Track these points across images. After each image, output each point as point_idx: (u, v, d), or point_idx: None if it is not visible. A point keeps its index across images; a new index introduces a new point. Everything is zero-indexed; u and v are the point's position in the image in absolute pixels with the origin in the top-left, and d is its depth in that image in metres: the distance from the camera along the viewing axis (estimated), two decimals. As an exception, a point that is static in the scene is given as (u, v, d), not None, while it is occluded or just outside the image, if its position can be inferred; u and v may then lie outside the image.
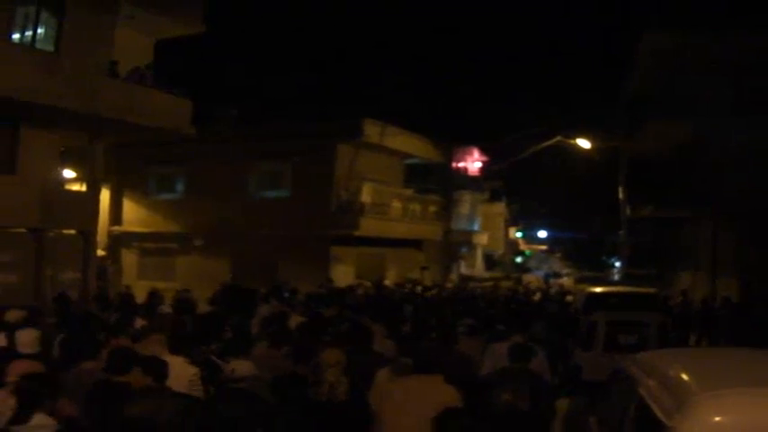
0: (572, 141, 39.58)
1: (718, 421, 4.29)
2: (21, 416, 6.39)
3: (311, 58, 66.07)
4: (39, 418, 6.42)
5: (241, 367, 8.40)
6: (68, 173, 25.99)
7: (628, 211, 35.39)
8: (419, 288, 30.06)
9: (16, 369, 7.39)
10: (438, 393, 7.29)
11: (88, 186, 25.86)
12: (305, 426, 7.17)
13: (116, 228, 36.38)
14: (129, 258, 36.58)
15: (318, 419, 7.17)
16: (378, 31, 65.65)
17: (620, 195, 35.92)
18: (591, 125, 39.53)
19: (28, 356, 8.79)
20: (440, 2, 76.79)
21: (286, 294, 20.62)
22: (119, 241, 36.45)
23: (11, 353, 9.32)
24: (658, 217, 35.59)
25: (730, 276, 28.25)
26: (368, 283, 29.83)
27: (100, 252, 28.34)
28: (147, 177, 37.36)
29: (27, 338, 9.74)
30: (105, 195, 31.21)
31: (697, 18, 28.43)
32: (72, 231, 25.03)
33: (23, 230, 23.06)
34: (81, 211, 24.70)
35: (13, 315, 11.40)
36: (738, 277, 27.97)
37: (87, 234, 25.00)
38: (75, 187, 26.53)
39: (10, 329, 10.39)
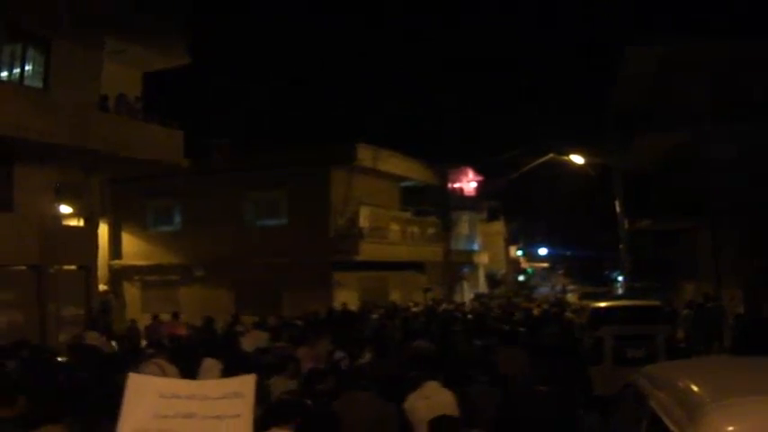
0: (565, 158, 39.64)
1: (730, 431, 4.15)
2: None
3: (300, 85, 66.14)
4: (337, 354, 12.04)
5: (420, 345, 13.93)
6: (65, 208, 25.90)
7: (626, 225, 35.37)
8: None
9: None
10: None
11: (86, 221, 25.80)
12: None
13: (116, 261, 36.29)
14: (131, 291, 36.47)
15: None
16: (366, 54, 65.82)
17: (618, 209, 35.93)
18: (583, 141, 39.65)
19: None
20: (428, 26, 76.87)
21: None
22: (120, 275, 36.35)
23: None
24: (658, 229, 35.54)
25: (734, 285, 28.13)
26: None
27: (102, 286, 28.24)
28: (144, 210, 37.38)
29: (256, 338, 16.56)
30: (104, 230, 31.12)
31: (678, 30, 28.61)
32: (72, 267, 24.96)
33: (24, 268, 22.97)
34: (80, 247, 24.67)
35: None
36: (743, 286, 27.86)
37: (88, 269, 24.96)
38: (73, 223, 26.43)
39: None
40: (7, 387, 8.14)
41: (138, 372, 10.05)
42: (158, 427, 4.56)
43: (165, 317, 24.84)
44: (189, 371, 11.43)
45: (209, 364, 11.47)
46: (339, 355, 13.10)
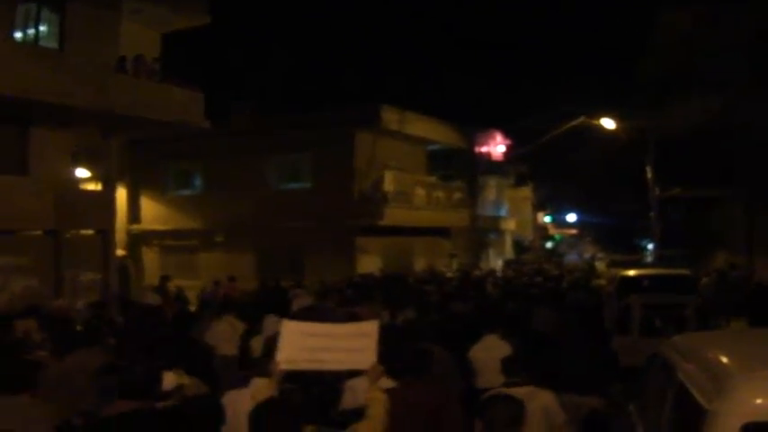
0: (596, 122, 39.08)
1: (758, 403, 4.25)
2: None
3: (323, 46, 65.64)
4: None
5: (460, 307, 15.06)
6: (82, 172, 25.66)
7: (657, 192, 34.96)
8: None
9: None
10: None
11: (103, 185, 25.58)
12: None
13: (135, 226, 36.13)
14: (149, 257, 36.39)
15: None
16: (393, 13, 65.15)
17: (649, 175, 35.49)
18: (615, 105, 39.10)
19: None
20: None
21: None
22: (138, 240, 36.25)
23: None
24: (689, 197, 35.02)
25: (766, 255, 27.67)
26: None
27: (120, 252, 28.06)
28: (163, 174, 37.22)
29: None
30: (122, 194, 30.95)
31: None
32: (90, 232, 24.84)
33: (39, 232, 22.84)
34: (97, 211, 24.50)
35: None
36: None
37: (105, 234, 24.84)
38: (91, 186, 26.21)
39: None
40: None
41: (211, 327, 13.30)
42: (305, 357, 6.06)
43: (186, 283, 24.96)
44: (253, 325, 12.82)
45: (271, 320, 12.13)
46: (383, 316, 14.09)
